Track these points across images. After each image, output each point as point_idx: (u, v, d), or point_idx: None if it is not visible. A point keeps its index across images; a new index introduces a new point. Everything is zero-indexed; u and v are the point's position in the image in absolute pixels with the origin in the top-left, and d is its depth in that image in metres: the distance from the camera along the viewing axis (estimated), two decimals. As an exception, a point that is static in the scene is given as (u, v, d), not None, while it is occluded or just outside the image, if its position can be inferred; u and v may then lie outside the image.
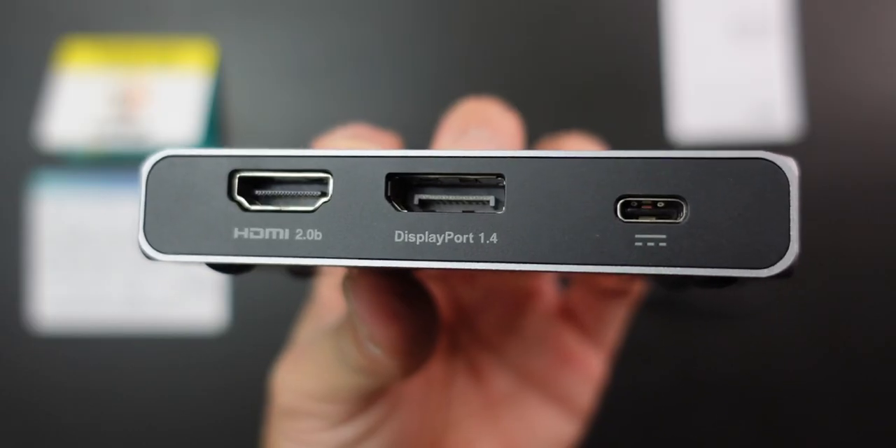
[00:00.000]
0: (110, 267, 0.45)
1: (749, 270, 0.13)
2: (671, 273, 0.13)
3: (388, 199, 0.13)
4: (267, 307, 0.44)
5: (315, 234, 0.13)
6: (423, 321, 0.18)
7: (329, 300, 0.23)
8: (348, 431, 0.20)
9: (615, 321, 0.24)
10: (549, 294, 0.25)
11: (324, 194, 0.14)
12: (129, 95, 0.46)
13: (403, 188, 0.14)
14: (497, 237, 0.13)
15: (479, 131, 0.18)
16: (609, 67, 0.46)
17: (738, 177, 0.13)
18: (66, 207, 0.45)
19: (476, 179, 0.14)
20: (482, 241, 0.13)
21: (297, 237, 0.13)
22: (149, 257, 0.14)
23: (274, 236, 0.13)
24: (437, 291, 0.24)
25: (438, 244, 0.13)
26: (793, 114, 0.45)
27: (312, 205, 0.13)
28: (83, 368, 0.44)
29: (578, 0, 0.47)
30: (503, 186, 0.13)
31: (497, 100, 0.20)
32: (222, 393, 0.44)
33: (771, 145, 0.45)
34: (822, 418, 0.43)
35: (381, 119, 0.30)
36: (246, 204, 0.14)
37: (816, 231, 0.44)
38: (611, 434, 0.43)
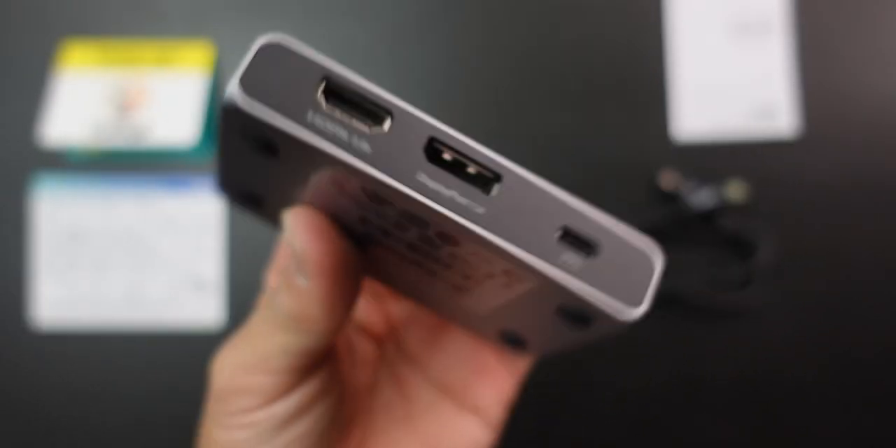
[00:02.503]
0: (110, 267, 0.45)
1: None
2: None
3: (424, 150, 0.16)
4: (267, 307, 0.44)
5: (366, 147, 0.16)
6: (352, 258, 0.19)
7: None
8: (282, 407, 0.20)
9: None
10: None
11: (382, 124, 0.16)
12: (128, 96, 0.46)
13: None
14: (485, 211, 0.16)
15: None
16: (609, 68, 0.46)
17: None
18: (65, 208, 0.45)
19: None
20: (473, 209, 0.16)
21: (353, 142, 0.16)
22: (233, 104, 0.15)
23: (335, 132, 0.16)
24: (370, 306, 0.26)
25: (443, 194, 0.16)
26: (793, 114, 0.45)
27: (370, 127, 0.16)
28: (83, 369, 0.44)
29: (578, 0, 0.47)
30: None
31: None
32: (222, 393, 0.44)
33: (770, 145, 0.45)
34: (821, 419, 0.43)
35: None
36: (323, 102, 0.16)
37: (816, 231, 0.44)
38: (609, 434, 0.43)
